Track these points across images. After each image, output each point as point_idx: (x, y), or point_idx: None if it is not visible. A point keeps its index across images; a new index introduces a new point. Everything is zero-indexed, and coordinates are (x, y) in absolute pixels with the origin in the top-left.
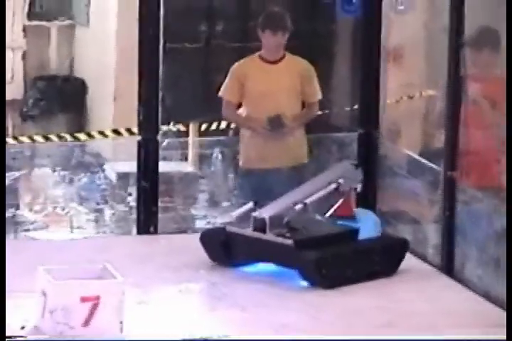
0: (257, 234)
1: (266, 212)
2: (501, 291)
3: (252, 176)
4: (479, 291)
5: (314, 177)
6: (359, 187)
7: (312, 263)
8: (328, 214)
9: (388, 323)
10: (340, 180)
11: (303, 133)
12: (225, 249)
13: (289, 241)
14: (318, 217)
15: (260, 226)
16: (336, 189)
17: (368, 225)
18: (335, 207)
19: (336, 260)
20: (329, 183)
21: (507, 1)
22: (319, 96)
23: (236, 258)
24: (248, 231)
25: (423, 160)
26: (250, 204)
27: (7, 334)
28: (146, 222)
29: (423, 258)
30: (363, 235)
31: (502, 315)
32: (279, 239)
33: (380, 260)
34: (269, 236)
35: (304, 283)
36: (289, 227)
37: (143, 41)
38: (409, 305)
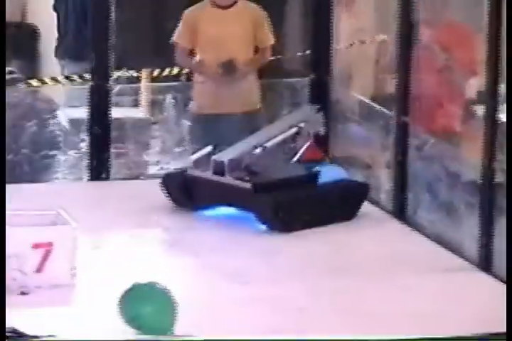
0: (216, 178)
1: (225, 156)
2: (453, 235)
3: (205, 121)
4: (432, 236)
5: (275, 122)
6: (322, 130)
7: (269, 207)
8: (295, 159)
9: (341, 267)
10: (301, 124)
11: (255, 79)
12: (186, 193)
13: (247, 185)
14: (280, 161)
15: (219, 169)
16: (297, 133)
17: (333, 169)
18: (301, 151)
19: (293, 203)
20: (290, 127)
21: (507, 1)
22: (271, 41)
23: (197, 202)
24: (208, 174)
25: (375, 105)
26: (209, 148)
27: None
28: (99, 168)
29: (376, 203)
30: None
31: (454, 259)
32: (238, 182)
33: (339, 204)
34: (227, 179)
35: (262, 227)
36: (249, 171)
37: None
38: (363, 250)
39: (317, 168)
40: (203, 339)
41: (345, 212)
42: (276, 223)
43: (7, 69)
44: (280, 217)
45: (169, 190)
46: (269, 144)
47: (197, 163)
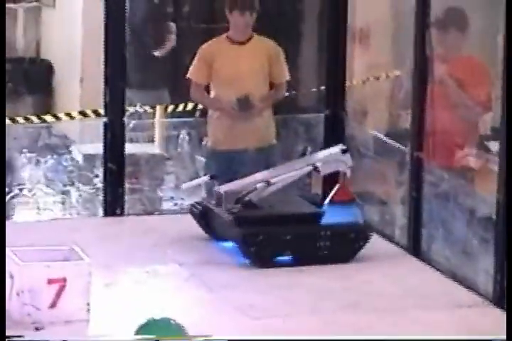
0: (216, 209)
1: (224, 187)
2: (468, 271)
3: (219, 157)
4: (446, 272)
5: (296, 159)
6: (348, 172)
7: (241, 239)
8: (327, 200)
9: (354, 303)
10: (318, 163)
11: (270, 114)
12: (205, 222)
13: (231, 217)
14: (287, 197)
15: (219, 200)
16: (317, 171)
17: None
18: (332, 192)
19: (269, 239)
20: (307, 166)
21: (507, 1)
22: (287, 77)
23: (212, 232)
24: (212, 205)
25: (390, 141)
26: (205, 178)
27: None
28: (113, 204)
29: (390, 239)
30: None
31: (468, 295)
32: (225, 215)
33: (329, 246)
34: (220, 210)
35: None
36: (248, 204)
37: (109, 23)
38: (376, 286)
39: (323, 209)
40: (203, 339)
41: (338, 254)
42: (251, 256)
43: None
44: (252, 251)
45: (194, 217)
46: (274, 180)
47: (189, 192)
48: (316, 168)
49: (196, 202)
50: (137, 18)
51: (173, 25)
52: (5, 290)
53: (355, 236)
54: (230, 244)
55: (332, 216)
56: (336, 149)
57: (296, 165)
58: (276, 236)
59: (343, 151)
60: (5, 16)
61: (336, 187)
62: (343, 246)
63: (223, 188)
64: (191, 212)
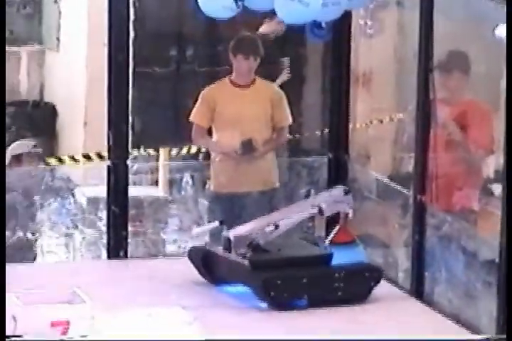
0: (225, 254)
1: (233, 232)
2: (471, 314)
3: (223, 200)
4: (449, 315)
5: (299, 201)
6: (351, 212)
7: (260, 284)
8: (327, 241)
9: None
10: (322, 205)
11: (273, 158)
12: (206, 267)
13: (246, 262)
14: (294, 240)
15: (227, 245)
16: (321, 213)
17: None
18: (332, 233)
19: (286, 282)
20: (311, 207)
21: (507, 1)
22: (290, 121)
23: (214, 277)
24: (219, 249)
25: (393, 184)
26: (215, 223)
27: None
28: (116, 247)
29: (394, 282)
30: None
31: (472, 337)
32: (239, 259)
33: (344, 286)
34: (231, 255)
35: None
36: (254, 247)
37: (112, 66)
38: (380, 330)
39: (330, 250)
40: (203, 339)
41: (352, 295)
42: (269, 301)
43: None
44: (272, 295)
45: (193, 263)
46: (281, 222)
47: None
48: (320, 210)
49: (195, 247)
50: (140, 62)
51: (286, 60)
52: (5, 289)
53: (368, 276)
54: (233, 289)
55: (336, 257)
56: (338, 190)
57: (301, 207)
58: (294, 280)
59: (346, 192)
60: (5, 16)
61: (336, 228)
62: (356, 287)
63: (232, 233)
64: (190, 257)
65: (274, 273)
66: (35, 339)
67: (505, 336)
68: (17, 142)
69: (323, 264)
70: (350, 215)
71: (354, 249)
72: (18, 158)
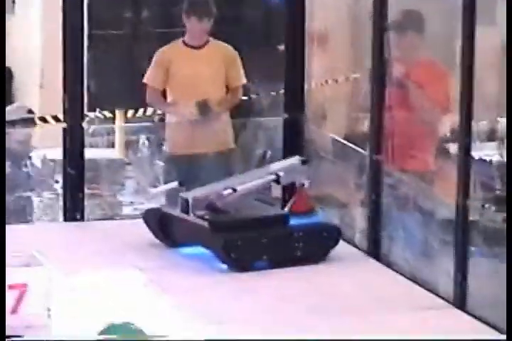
0: (182, 215)
1: (191, 194)
2: (428, 273)
3: (179, 161)
4: (406, 274)
5: (258, 168)
6: (307, 182)
7: (221, 246)
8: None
9: (316, 306)
10: (280, 173)
11: (228, 118)
12: (162, 229)
13: (205, 223)
14: (250, 201)
15: (185, 207)
16: (277, 182)
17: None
18: (290, 203)
19: (247, 243)
20: (269, 174)
21: (507, 1)
22: (243, 80)
23: (171, 239)
24: (176, 211)
25: (349, 144)
26: (173, 184)
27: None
28: (73, 209)
29: (351, 242)
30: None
31: (429, 297)
32: (198, 221)
33: (303, 246)
34: (191, 217)
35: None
36: (215, 209)
37: (66, 29)
38: (337, 289)
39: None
40: (203, 339)
41: (311, 255)
42: (230, 262)
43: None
44: (232, 256)
45: (148, 225)
46: (239, 187)
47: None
48: (278, 177)
49: (150, 209)
50: (96, 24)
51: None
52: (5, 290)
53: (327, 236)
54: (190, 251)
55: None
56: (295, 160)
57: (258, 174)
58: (254, 241)
59: (303, 162)
60: (5, 16)
61: (293, 198)
62: (315, 247)
63: (191, 195)
64: (145, 219)
65: (234, 234)
66: (36, 339)
67: (505, 336)
68: (11, 106)
69: (282, 224)
70: (306, 185)
71: (312, 219)
72: (12, 125)
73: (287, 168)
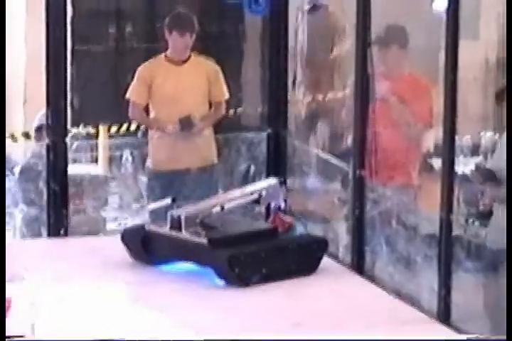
0: (174, 233)
1: (182, 211)
2: (412, 288)
3: (162, 177)
4: (390, 289)
5: (235, 189)
6: (282, 204)
7: (225, 262)
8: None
9: (300, 321)
10: (263, 192)
11: (211, 134)
12: (145, 248)
13: (203, 240)
14: (238, 216)
15: (176, 224)
16: (258, 202)
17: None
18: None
19: (249, 258)
20: (251, 193)
21: (507, 1)
22: (226, 96)
23: (156, 257)
24: (165, 229)
25: (332, 159)
26: (168, 200)
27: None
28: (57, 225)
29: (334, 257)
30: None
31: (413, 311)
32: (194, 238)
33: (297, 259)
34: (184, 234)
35: (220, 282)
36: (205, 226)
37: (50, 44)
38: (320, 304)
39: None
40: (202, 339)
41: (303, 267)
42: (233, 278)
43: None
44: (236, 272)
45: (128, 245)
46: (226, 205)
47: (154, 218)
48: (259, 198)
49: (129, 228)
50: (79, 39)
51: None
52: (5, 291)
53: (317, 247)
54: (175, 267)
55: None
56: (275, 181)
57: (240, 193)
58: (255, 255)
59: (280, 183)
60: (5, 16)
61: (270, 218)
62: (307, 259)
63: (182, 212)
64: (125, 239)
65: (235, 250)
66: (36, 339)
67: (505, 337)
68: (41, 113)
69: (274, 238)
70: (283, 206)
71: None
72: (39, 131)
73: (268, 190)
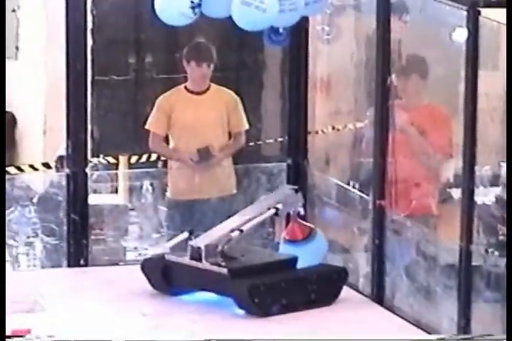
0: (194, 263)
1: (202, 241)
2: (432, 318)
3: (181, 207)
4: (410, 319)
5: (252, 204)
6: (301, 210)
7: (245, 292)
8: (281, 240)
9: None
10: (279, 205)
11: (230, 164)
12: (165, 278)
13: (224, 270)
14: (256, 247)
15: (196, 255)
16: (276, 214)
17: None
18: (284, 233)
19: (269, 288)
20: (268, 209)
21: (507, 1)
22: (245, 126)
23: (176, 287)
24: (185, 259)
25: (352, 189)
26: (185, 234)
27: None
28: (77, 255)
29: (354, 287)
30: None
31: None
32: (214, 268)
33: (316, 289)
34: (204, 264)
35: (240, 311)
36: (225, 256)
37: (70, 74)
38: (340, 335)
39: (295, 254)
40: (202, 339)
41: (323, 297)
42: (253, 308)
43: None
44: (256, 302)
45: (148, 275)
46: (245, 227)
47: (174, 248)
48: (277, 211)
49: (150, 258)
50: (100, 70)
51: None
52: (5, 290)
53: (337, 277)
54: (195, 297)
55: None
56: (288, 190)
57: (257, 209)
58: (275, 285)
59: (296, 191)
60: (5, 16)
61: (289, 227)
62: (327, 288)
63: (201, 242)
64: (145, 269)
65: (256, 280)
66: (36, 339)
67: (505, 336)
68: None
69: (292, 268)
70: (302, 213)
71: (314, 240)
72: (61, 160)
73: (284, 200)
